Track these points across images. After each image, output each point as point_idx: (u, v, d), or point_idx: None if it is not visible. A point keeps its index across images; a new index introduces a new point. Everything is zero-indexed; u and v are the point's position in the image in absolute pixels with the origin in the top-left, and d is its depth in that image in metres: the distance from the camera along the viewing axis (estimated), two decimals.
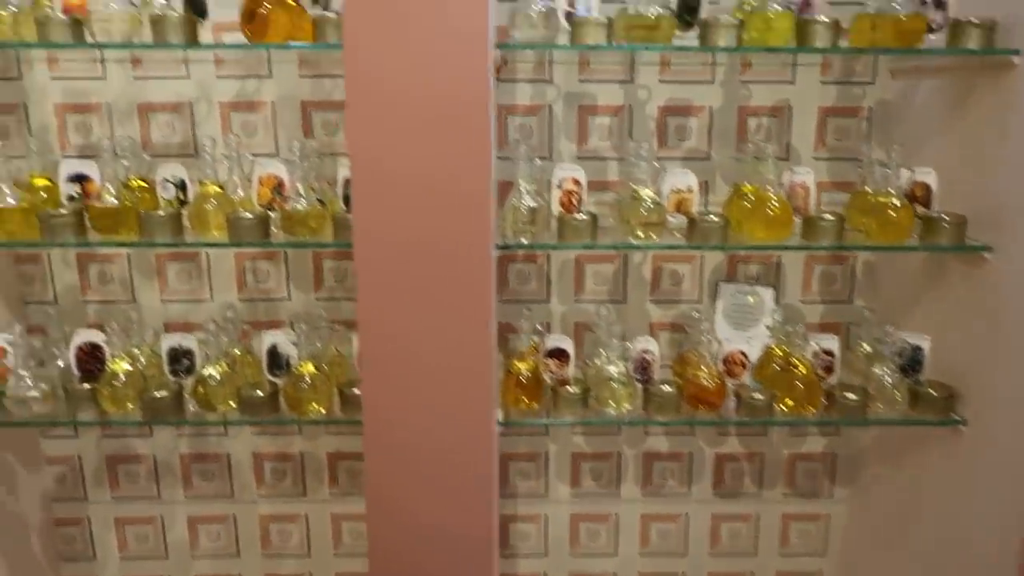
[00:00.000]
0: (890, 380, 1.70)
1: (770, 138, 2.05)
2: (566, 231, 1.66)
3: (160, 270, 2.15)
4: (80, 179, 1.75)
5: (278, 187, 1.75)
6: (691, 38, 1.63)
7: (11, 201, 1.67)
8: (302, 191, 1.68)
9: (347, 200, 1.72)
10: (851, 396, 1.72)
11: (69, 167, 1.74)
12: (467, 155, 1.36)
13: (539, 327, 1.90)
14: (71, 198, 1.75)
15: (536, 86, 2.03)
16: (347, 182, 1.72)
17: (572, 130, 2.05)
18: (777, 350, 1.78)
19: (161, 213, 1.67)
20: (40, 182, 1.79)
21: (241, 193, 1.74)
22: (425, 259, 1.42)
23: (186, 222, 1.71)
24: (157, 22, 1.56)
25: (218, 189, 1.69)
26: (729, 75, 2.03)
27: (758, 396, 1.70)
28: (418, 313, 1.45)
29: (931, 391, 1.71)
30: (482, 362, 1.45)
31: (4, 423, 1.76)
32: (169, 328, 2.15)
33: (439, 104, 1.35)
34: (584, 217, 1.66)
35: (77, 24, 1.59)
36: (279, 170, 1.74)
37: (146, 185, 1.79)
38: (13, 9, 1.61)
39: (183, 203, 1.76)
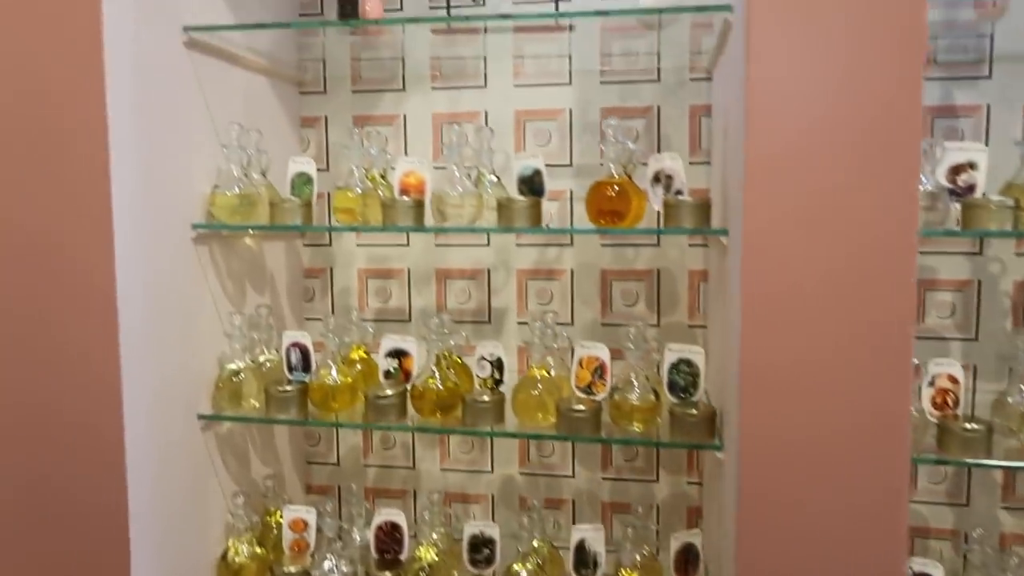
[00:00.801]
0: None
1: None
2: (950, 442, 1.41)
3: (443, 438, 2.07)
4: (398, 354, 1.72)
5: (599, 370, 1.63)
6: None
7: (336, 377, 1.65)
8: (635, 380, 1.54)
9: (672, 386, 1.58)
10: None
11: (389, 342, 1.71)
12: (885, 331, 1.16)
13: None
14: (388, 373, 1.71)
15: None
16: (673, 367, 1.58)
17: None
18: None
19: (486, 399, 1.58)
20: (356, 354, 1.78)
21: (552, 371, 1.63)
22: (825, 457, 1.21)
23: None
24: (504, 206, 1.52)
25: (545, 373, 1.59)
26: None
27: None
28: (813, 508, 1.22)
29: None
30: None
31: None
32: (448, 499, 2.06)
33: (849, 284, 1.17)
34: (977, 427, 1.40)
35: (419, 206, 1.59)
36: (601, 353, 1.62)
37: (460, 361, 1.73)
38: (359, 191, 1.64)
39: (498, 382, 1.68)
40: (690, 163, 1.86)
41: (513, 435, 1.64)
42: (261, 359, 1.75)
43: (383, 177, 1.74)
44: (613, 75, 1.90)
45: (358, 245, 2.08)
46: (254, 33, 1.77)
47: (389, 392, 1.61)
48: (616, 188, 1.48)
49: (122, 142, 1.38)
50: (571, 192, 1.93)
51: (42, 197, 1.39)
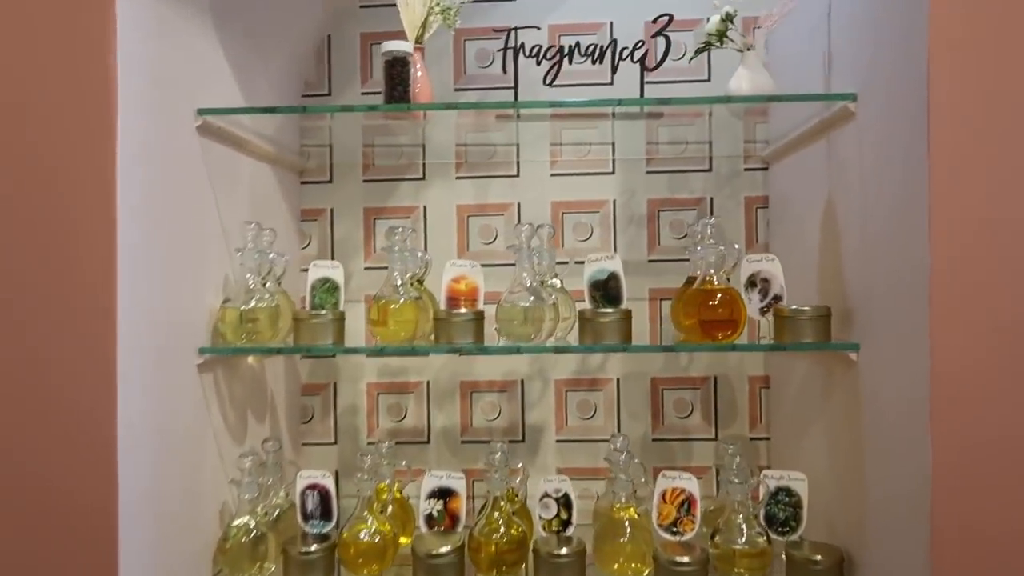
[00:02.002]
0: None
1: None
2: None
3: None
4: (443, 494, 1.43)
5: (686, 504, 1.39)
6: None
7: (373, 530, 1.34)
8: (742, 521, 1.31)
9: (770, 520, 1.36)
10: None
11: (432, 480, 1.43)
12: None
13: None
14: (431, 518, 1.42)
15: None
16: (772, 497, 1.37)
17: None
18: None
19: (565, 551, 1.31)
20: (393, 494, 1.48)
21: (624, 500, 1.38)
22: None
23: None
24: (589, 320, 1.29)
25: (634, 514, 1.34)
26: None
27: None
28: None
29: None
30: None
31: None
32: None
33: None
34: None
35: (478, 319, 1.34)
36: (688, 484, 1.38)
37: (517, 496, 1.46)
38: (401, 301, 1.37)
39: (566, 524, 1.41)
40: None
41: None
42: (268, 504, 1.43)
43: (420, 282, 1.48)
44: (660, 164, 1.73)
45: (367, 356, 1.79)
46: (261, 117, 1.50)
47: (444, 550, 1.31)
48: (720, 296, 1.28)
49: (131, 243, 1.08)
50: None
51: (41, 302, 1.06)
